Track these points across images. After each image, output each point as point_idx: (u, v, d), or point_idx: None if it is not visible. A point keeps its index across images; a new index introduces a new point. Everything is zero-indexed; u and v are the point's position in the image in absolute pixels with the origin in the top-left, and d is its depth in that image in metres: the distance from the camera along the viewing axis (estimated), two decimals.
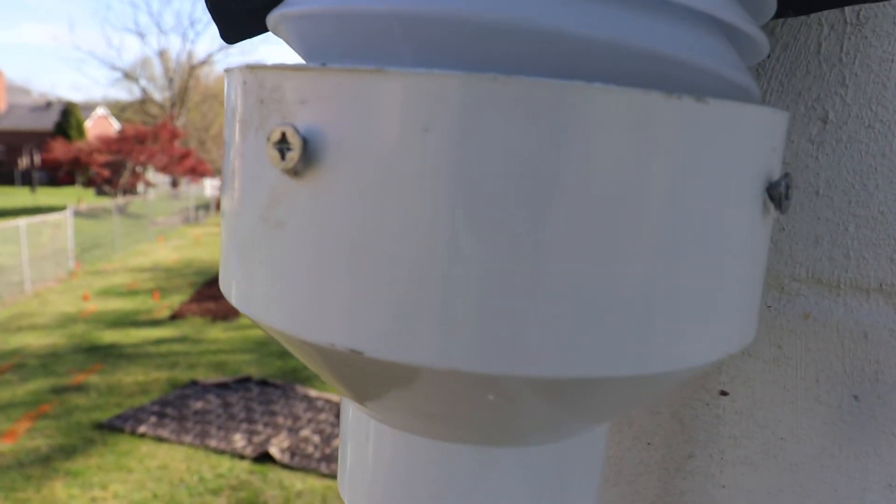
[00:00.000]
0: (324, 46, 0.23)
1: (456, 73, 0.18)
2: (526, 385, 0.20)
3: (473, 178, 0.18)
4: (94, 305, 8.20)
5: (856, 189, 0.34)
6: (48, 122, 29.20)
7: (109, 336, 6.98)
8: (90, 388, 5.45)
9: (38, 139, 28.42)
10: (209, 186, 20.98)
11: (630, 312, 0.20)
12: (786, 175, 0.22)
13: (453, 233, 0.18)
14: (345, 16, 0.21)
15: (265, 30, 0.31)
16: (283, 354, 6.33)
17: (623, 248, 0.19)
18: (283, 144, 0.19)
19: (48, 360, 6.15)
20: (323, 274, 0.20)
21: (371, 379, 0.22)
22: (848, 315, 0.35)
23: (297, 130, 0.19)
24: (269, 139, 0.19)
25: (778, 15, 0.31)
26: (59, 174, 24.05)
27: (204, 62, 30.04)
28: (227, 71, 0.23)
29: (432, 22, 0.20)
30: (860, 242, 0.35)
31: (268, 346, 6.60)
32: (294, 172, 0.20)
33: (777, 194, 0.22)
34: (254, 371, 5.84)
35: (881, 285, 0.35)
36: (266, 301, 0.22)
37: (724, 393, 0.38)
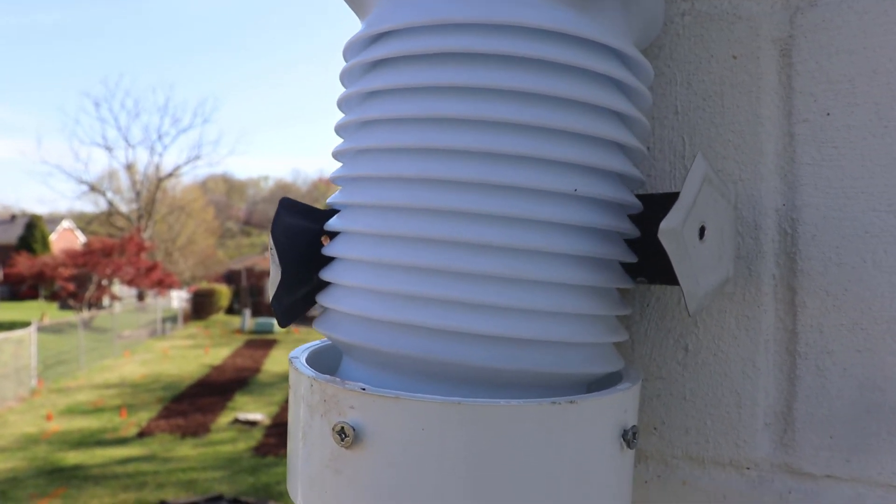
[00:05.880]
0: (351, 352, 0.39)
1: (436, 398, 0.33)
2: None
3: (451, 458, 0.33)
4: (58, 425, 8.06)
5: (709, 397, 0.50)
6: (12, 235, 29.13)
7: (73, 457, 6.85)
8: None
9: (0, 253, 28.28)
10: (176, 298, 20.94)
11: None
12: (633, 426, 0.38)
13: (444, 490, 0.33)
14: (370, 349, 0.37)
15: (308, 308, 0.46)
16: (255, 471, 6.27)
17: (537, 482, 0.34)
18: (341, 433, 0.34)
19: (6, 486, 6.01)
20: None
21: None
22: (711, 482, 0.50)
23: (351, 426, 0.34)
24: (332, 428, 0.35)
25: (650, 282, 0.48)
26: (21, 288, 23.80)
27: (171, 174, 30.55)
28: (295, 370, 0.39)
29: (418, 359, 0.35)
30: (716, 432, 0.50)
31: (239, 463, 6.53)
32: (347, 446, 0.35)
33: (627, 439, 0.37)
34: (225, 489, 5.78)
35: (731, 461, 0.50)
36: None
37: None
